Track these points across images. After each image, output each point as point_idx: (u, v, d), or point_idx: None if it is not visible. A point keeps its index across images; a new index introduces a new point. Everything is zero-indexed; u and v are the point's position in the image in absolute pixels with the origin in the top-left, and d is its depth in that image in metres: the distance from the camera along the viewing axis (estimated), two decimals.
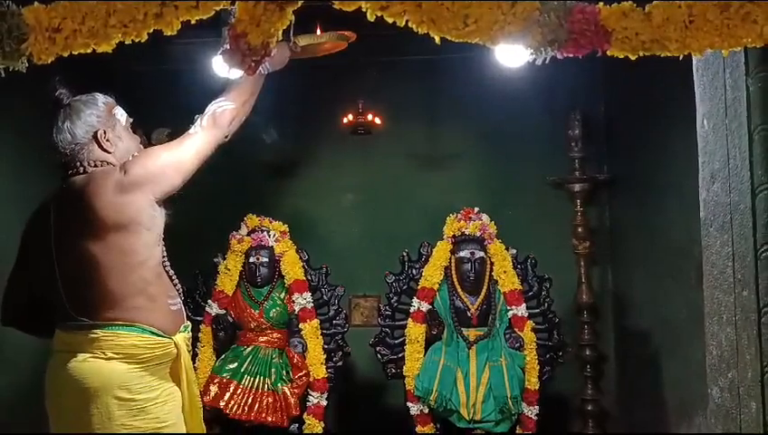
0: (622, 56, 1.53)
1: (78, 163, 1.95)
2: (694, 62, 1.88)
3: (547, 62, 1.55)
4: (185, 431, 1.94)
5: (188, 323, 2.04)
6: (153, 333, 1.90)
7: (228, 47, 1.66)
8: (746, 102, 1.68)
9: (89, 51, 1.56)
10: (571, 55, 1.54)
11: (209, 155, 1.99)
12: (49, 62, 1.56)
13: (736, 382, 1.73)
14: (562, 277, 3.66)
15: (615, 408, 3.97)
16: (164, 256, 2.00)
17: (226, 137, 2.05)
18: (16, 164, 3.17)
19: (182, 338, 1.99)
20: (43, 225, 1.94)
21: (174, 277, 2.04)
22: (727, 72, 1.76)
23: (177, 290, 2.04)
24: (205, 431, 2.08)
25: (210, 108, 1.99)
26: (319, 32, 2.09)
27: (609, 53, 1.52)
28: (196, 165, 1.96)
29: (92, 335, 1.86)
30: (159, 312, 1.94)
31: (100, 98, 2.03)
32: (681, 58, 1.53)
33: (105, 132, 1.98)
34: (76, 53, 1.55)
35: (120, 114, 2.05)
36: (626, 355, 4.01)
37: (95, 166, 1.95)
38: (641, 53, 1.50)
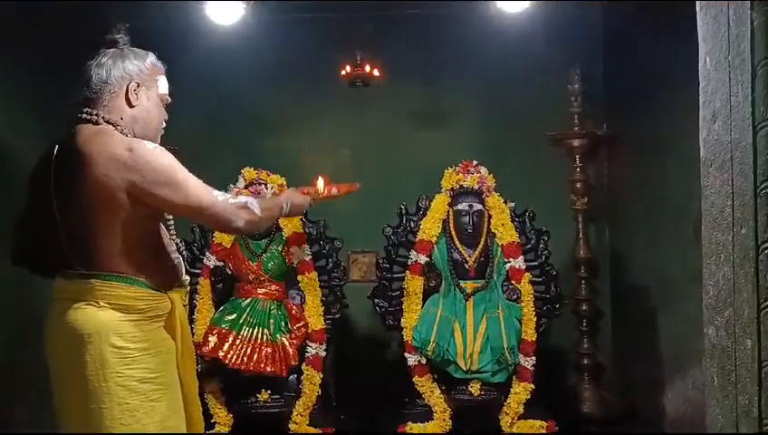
0: None
1: (95, 109, 1.93)
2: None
3: None
4: (175, 383, 1.95)
5: (187, 278, 2.05)
6: (147, 286, 1.91)
7: None
8: (750, 37, 1.65)
9: None
10: None
11: (198, 220, 1.92)
12: None
13: (732, 321, 1.73)
14: (560, 234, 3.67)
15: (610, 362, 4.01)
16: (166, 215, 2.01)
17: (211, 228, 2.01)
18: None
19: (178, 293, 2.00)
20: (45, 171, 1.92)
21: (173, 232, 2.04)
22: (731, 9, 1.73)
23: (177, 246, 2.05)
24: (197, 385, 2.10)
25: (244, 199, 1.96)
26: (335, 190, 2.28)
27: None
28: (187, 214, 1.93)
29: (88, 285, 1.88)
30: (155, 267, 1.95)
31: (152, 58, 2.02)
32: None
33: (138, 86, 1.97)
34: None
35: (163, 83, 2.03)
36: (622, 311, 4.04)
37: (108, 121, 1.93)
38: None
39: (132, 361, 1.87)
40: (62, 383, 1.94)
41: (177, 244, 2.06)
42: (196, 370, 2.82)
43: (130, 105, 1.96)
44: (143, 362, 1.89)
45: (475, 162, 3.33)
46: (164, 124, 2.05)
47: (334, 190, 2.27)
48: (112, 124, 1.93)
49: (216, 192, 1.92)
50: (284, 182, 3.38)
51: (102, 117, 1.93)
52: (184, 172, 1.87)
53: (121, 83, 1.95)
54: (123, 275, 1.89)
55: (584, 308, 3.81)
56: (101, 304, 1.87)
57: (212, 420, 3.16)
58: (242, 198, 1.96)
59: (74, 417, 1.90)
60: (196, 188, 1.87)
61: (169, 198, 1.84)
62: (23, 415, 2.86)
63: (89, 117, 1.93)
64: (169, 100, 2.04)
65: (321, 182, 2.27)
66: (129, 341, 1.88)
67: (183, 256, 2.09)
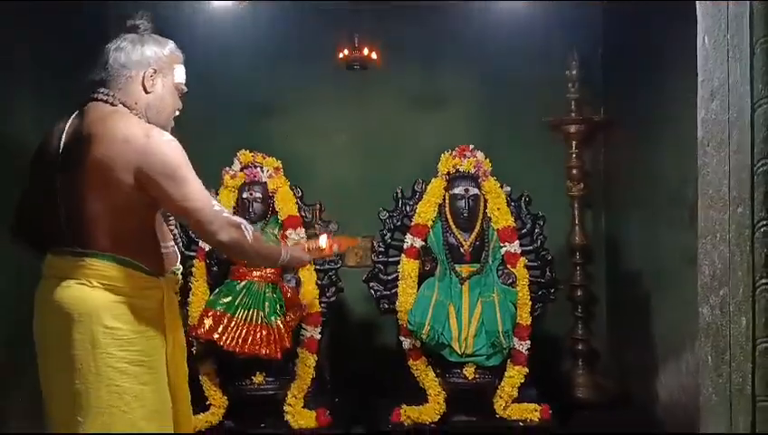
0: None
1: (110, 90, 1.94)
2: None
3: None
4: (165, 369, 1.95)
5: (179, 267, 2.06)
6: (141, 269, 1.91)
7: None
8: (749, 15, 1.65)
9: None
10: None
11: (187, 222, 1.93)
12: None
13: (727, 299, 1.74)
14: (556, 220, 3.67)
15: (605, 348, 4.03)
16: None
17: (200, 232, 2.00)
18: None
19: (169, 281, 2.00)
20: (53, 145, 1.92)
21: (172, 222, 2.05)
22: None
23: (174, 236, 2.06)
24: (187, 374, 2.09)
25: (240, 220, 1.94)
26: (335, 246, 2.30)
27: None
28: (179, 213, 1.93)
29: (81, 263, 1.88)
30: (151, 251, 1.96)
31: (171, 46, 2.02)
32: None
33: (154, 73, 1.97)
34: None
35: (180, 72, 2.03)
36: (617, 297, 4.05)
37: (122, 103, 1.93)
38: None
39: (125, 342, 1.87)
40: (49, 363, 1.93)
41: (174, 234, 2.07)
42: (191, 352, 2.84)
43: (146, 91, 1.97)
44: (135, 344, 1.88)
45: (471, 146, 3.32)
46: (177, 113, 2.06)
47: (335, 247, 2.30)
48: (127, 107, 1.93)
49: (214, 202, 1.92)
50: (280, 165, 3.36)
51: (118, 99, 1.93)
52: (190, 172, 1.88)
53: (138, 69, 1.95)
54: (119, 256, 1.89)
55: (579, 294, 3.82)
56: (94, 283, 1.87)
57: (207, 402, 3.16)
58: (238, 218, 1.94)
59: (61, 398, 1.89)
60: (196, 192, 1.87)
61: (169, 192, 1.84)
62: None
63: (105, 97, 1.94)
64: (185, 89, 2.05)
65: (324, 239, 2.30)
66: (121, 322, 1.87)
67: (179, 245, 2.10)
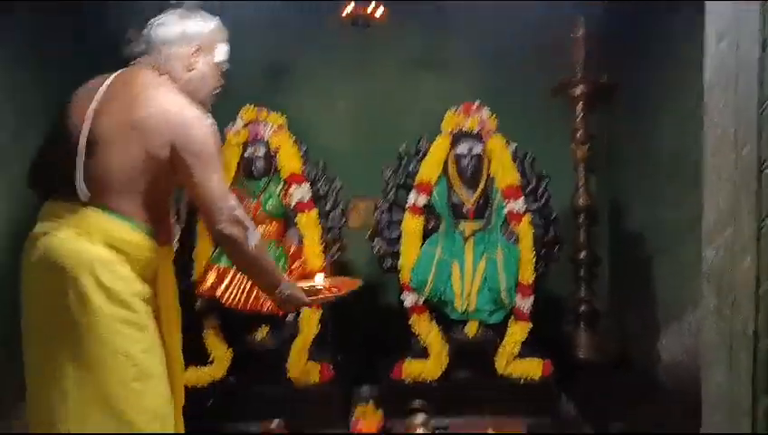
0: None
1: (149, 58, 1.96)
2: None
3: None
4: (157, 334, 1.95)
5: (177, 243, 2.09)
6: (150, 235, 1.91)
7: None
8: None
9: None
10: None
11: (197, 204, 1.92)
12: None
13: (731, 240, 1.74)
14: (560, 182, 3.64)
15: (607, 310, 4.04)
16: None
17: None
18: None
19: (168, 251, 2.02)
20: (88, 95, 1.91)
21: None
22: None
23: (178, 209, 2.09)
24: (181, 342, 2.10)
25: (250, 224, 1.93)
26: (335, 289, 2.30)
27: None
28: (193, 194, 1.91)
29: (89, 215, 1.86)
30: (161, 221, 1.96)
31: (216, 23, 2.02)
32: None
33: (197, 50, 1.96)
34: None
35: (221, 51, 2.03)
36: (620, 259, 4.06)
37: (165, 73, 1.95)
38: None
39: (118, 302, 1.84)
40: (34, 322, 1.89)
41: (179, 210, 2.09)
42: (194, 308, 2.84)
43: (188, 68, 1.96)
44: (129, 305, 1.87)
45: (476, 103, 3.29)
46: (217, 90, 2.04)
47: (334, 290, 2.30)
48: (171, 79, 1.94)
49: (231, 197, 1.91)
50: (284, 122, 3.34)
51: (164, 69, 1.94)
52: (218, 161, 1.90)
53: (181, 45, 1.95)
54: (133, 218, 1.89)
55: (582, 256, 3.81)
56: (95, 239, 1.85)
57: (210, 358, 3.18)
58: (248, 222, 1.93)
59: (45, 362, 1.84)
60: (218, 180, 1.88)
61: (193, 172, 1.84)
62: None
63: (150, 66, 1.95)
64: (227, 67, 2.04)
65: (320, 277, 2.35)
66: (117, 280, 1.85)
67: (180, 222, 2.13)
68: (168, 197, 2.00)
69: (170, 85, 1.92)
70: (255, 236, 1.92)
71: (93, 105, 1.88)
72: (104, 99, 1.89)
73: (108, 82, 1.92)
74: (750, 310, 1.69)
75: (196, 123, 1.86)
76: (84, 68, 2.12)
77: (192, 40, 1.96)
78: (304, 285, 2.29)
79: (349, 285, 2.38)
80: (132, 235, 1.89)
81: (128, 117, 1.85)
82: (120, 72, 1.95)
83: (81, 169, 1.85)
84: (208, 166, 1.86)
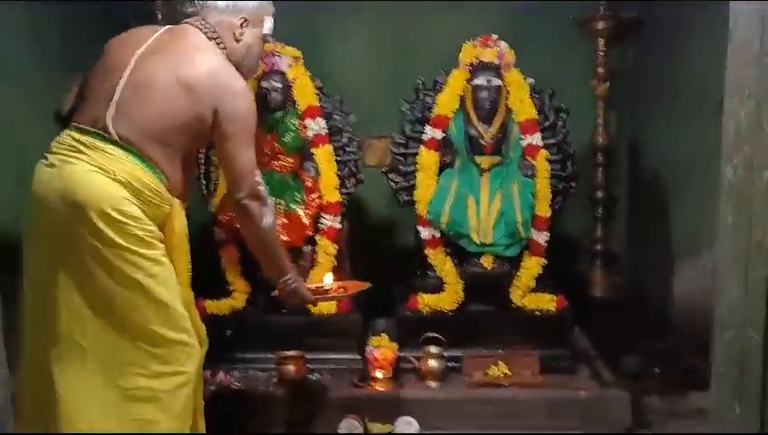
0: None
1: (198, 21, 2.00)
2: None
3: None
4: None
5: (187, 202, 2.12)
6: (163, 183, 1.93)
7: None
8: None
9: None
10: None
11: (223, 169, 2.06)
12: None
13: (751, 156, 1.72)
14: (580, 119, 3.60)
15: (623, 249, 4.04)
16: None
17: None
18: None
19: (181, 206, 2.04)
20: (138, 39, 1.96)
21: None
22: None
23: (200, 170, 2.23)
24: (192, 295, 2.10)
25: (270, 201, 2.08)
26: (342, 290, 2.36)
27: None
28: (222, 159, 2.02)
29: (110, 149, 1.86)
30: (182, 175, 2.00)
31: None
32: None
33: (245, 23, 2.01)
34: None
35: (269, 24, 2.08)
36: (637, 198, 4.03)
37: (213, 39, 1.99)
38: None
39: (131, 237, 1.85)
40: (38, 259, 1.89)
41: (200, 174, 2.13)
42: (215, 239, 2.88)
43: (236, 38, 2.02)
44: (143, 239, 1.88)
45: (494, 36, 3.24)
46: (259, 63, 2.09)
47: (341, 291, 2.35)
48: (218, 46, 1.99)
49: (258, 172, 2.03)
50: (300, 55, 3.32)
51: (211, 35, 1.98)
52: (252, 134, 2.00)
53: (230, 16, 2.00)
54: (151, 164, 1.90)
55: (600, 194, 3.80)
56: (117, 176, 1.85)
57: (231, 288, 3.22)
58: (268, 198, 2.06)
59: (56, 288, 1.84)
60: (249, 153, 1.98)
61: (227, 139, 1.93)
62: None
63: (203, 28, 1.98)
64: (271, 40, 2.07)
65: (328, 278, 2.43)
66: (130, 218, 1.86)
67: (201, 186, 2.29)
68: (193, 156, 2.07)
69: (219, 51, 1.98)
70: (269, 214, 2.05)
71: (140, 50, 1.92)
72: (151, 47, 1.93)
73: (157, 33, 1.97)
74: (767, 226, 1.68)
75: (243, 95, 1.95)
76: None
77: (241, 11, 2.01)
78: (312, 285, 2.39)
79: (357, 286, 2.43)
80: (152, 180, 1.91)
81: (174, 71, 1.88)
82: (169, 27, 2.00)
83: (114, 107, 1.88)
84: (244, 138, 1.96)
